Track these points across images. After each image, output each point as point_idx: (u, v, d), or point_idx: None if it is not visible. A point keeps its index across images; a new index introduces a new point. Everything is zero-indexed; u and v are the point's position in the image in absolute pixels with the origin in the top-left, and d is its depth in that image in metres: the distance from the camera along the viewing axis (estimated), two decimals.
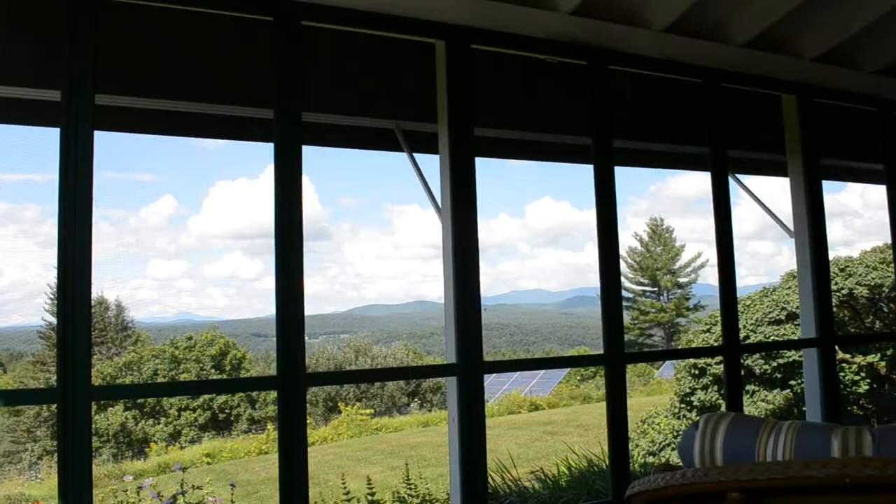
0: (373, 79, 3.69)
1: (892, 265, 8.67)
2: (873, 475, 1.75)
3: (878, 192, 5.50)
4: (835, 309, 5.67)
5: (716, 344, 9.07)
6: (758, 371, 9.14)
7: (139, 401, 23.04)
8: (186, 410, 23.83)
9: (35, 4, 2.88)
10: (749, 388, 9.19)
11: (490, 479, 5.24)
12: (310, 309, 3.02)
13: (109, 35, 2.93)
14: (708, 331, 10.03)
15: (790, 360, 8.90)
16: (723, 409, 7.63)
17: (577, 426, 15.27)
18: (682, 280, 43.37)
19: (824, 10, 4.15)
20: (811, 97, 4.55)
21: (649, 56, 3.94)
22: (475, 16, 3.41)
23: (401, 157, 3.82)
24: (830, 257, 4.92)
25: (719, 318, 4.43)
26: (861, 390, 8.85)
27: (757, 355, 9.14)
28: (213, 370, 26.34)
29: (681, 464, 2.25)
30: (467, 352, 3.27)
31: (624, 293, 36.92)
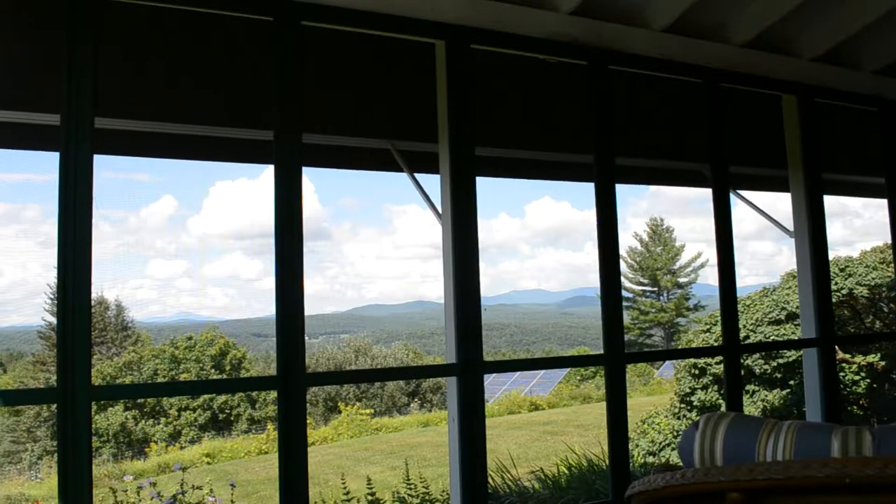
0: (368, 97, 3.68)
1: (893, 265, 8.67)
2: (873, 475, 1.75)
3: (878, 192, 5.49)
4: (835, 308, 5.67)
5: (716, 344, 9.07)
6: (758, 371, 9.13)
7: (139, 401, 23.02)
8: (186, 410, 23.82)
9: (34, 28, 2.89)
10: (749, 388, 9.19)
11: (490, 479, 5.23)
12: (310, 309, 3.02)
13: (109, 58, 2.92)
14: (708, 331, 10.03)
15: (790, 359, 8.90)
16: (723, 409, 7.63)
17: (577, 426, 15.27)
18: (682, 280, 43.37)
19: (824, 10, 4.15)
20: (811, 97, 4.55)
21: (649, 56, 3.94)
22: (475, 16, 3.41)
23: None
24: (830, 257, 4.93)
25: (719, 318, 4.43)
26: (860, 390, 8.85)
27: (757, 355, 9.14)
28: (213, 370, 26.33)
29: (681, 464, 2.25)
30: (467, 352, 3.27)
31: (624, 293, 36.92)
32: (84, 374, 2.56)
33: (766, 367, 9.05)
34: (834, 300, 6.50)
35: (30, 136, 3.15)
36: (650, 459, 9.52)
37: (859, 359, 8.90)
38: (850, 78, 4.68)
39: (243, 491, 11.29)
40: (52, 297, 30.35)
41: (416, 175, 3.73)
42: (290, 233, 2.97)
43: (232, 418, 24.28)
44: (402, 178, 3.76)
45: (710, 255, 41.95)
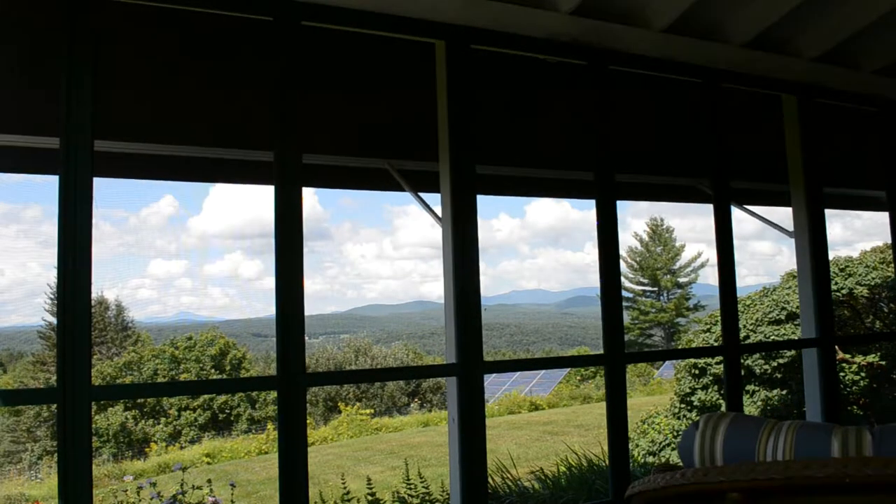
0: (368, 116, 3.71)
1: (893, 265, 8.67)
2: (873, 475, 1.75)
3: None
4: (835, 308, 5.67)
5: (716, 344, 9.07)
6: (758, 371, 9.13)
7: (139, 401, 23.02)
8: (186, 410, 23.83)
9: (34, 51, 2.89)
10: (749, 388, 9.19)
11: (490, 479, 5.24)
12: (310, 309, 3.02)
13: (108, 81, 2.92)
14: (708, 331, 10.03)
15: (790, 359, 8.89)
16: (723, 409, 7.64)
17: (577, 426, 15.27)
18: (682, 280, 43.37)
19: (824, 10, 4.15)
20: (811, 97, 4.55)
21: (649, 56, 3.94)
22: (475, 16, 3.41)
23: None
24: (830, 257, 4.93)
25: (719, 318, 4.43)
26: (860, 390, 8.85)
27: (757, 355, 9.14)
28: (213, 370, 26.34)
29: (681, 464, 2.25)
30: (467, 352, 3.27)
31: (624, 293, 36.94)
32: (84, 374, 2.56)
33: (766, 367, 9.05)
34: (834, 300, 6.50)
35: (29, 160, 3.15)
36: (650, 459, 9.52)
37: (859, 359, 8.90)
38: (850, 78, 4.68)
39: (243, 491, 11.29)
40: (52, 297, 30.37)
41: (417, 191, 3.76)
42: (291, 232, 2.97)
43: (232, 418, 24.29)
44: None
45: (710, 255, 41.96)
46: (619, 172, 3.87)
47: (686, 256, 43.70)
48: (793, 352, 8.67)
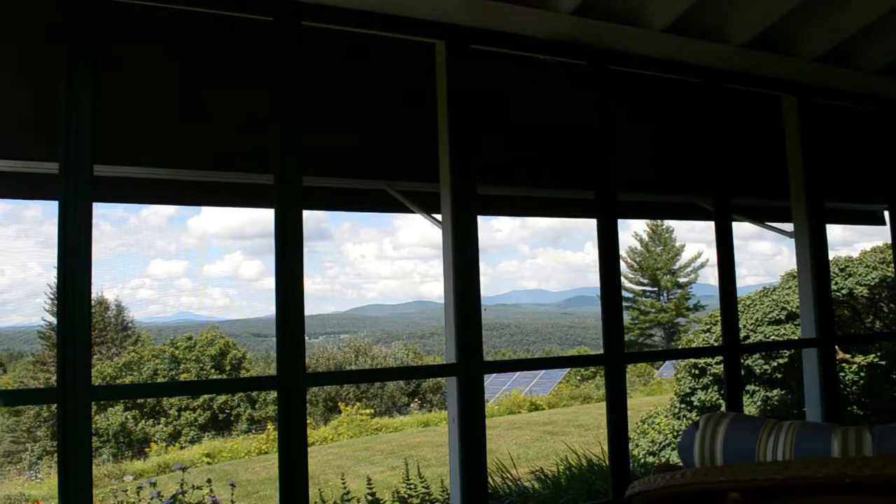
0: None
1: (893, 265, 8.67)
2: (873, 475, 1.75)
3: None
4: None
5: (716, 344, 9.07)
6: (758, 371, 9.13)
7: (139, 401, 23.02)
8: (186, 410, 23.83)
9: (32, 75, 2.89)
10: (749, 388, 9.19)
11: (490, 479, 5.24)
12: (310, 309, 3.02)
13: (107, 105, 2.91)
14: (708, 331, 10.03)
15: (790, 359, 8.90)
16: (723, 409, 7.63)
17: (577, 426, 15.27)
18: (682, 280, 43.38)
19: (824, 10, 4.15)
20: (811, 97, 4.55)
21: (649, 56, 3.94)
22: (475, 16, 3.41)
23: None
24: (830, 257, 4.93)
25: (719, 318, 4.43)
26: (859, 390, 8.85)
27: (757, 355, 9.14)
28: (213, 370, 26.34)
29: (681, 464, 2.25)
30: (467, 352, 3.27)
31: (624, 293, 36.92)
32: (84, 374, 2.56)
33: (766, 367, 9.05)
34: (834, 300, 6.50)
35: (28, 185, 3.15)
36: (650, 459, 9.52)
37: (859, 359, 8.90)
38: (850, 78, 4.68)
39: (243, 491, 11.29)
40: (52, 297, 30.37)
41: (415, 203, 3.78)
42: (290, 232, 2.97)
43: (232, 418, 24.29)
44: None
45: (710, 255, 41.98)
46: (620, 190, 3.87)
47: (686, 256, 43.76)
48: (793, 352, 8.66)
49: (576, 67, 3.82)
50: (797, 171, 4.52)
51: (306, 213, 3.04)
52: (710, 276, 47.79)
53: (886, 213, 5.29)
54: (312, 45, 3.25)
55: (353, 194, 4.07)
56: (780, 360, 8.98)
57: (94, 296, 2.82)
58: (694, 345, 10.74)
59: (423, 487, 6.11)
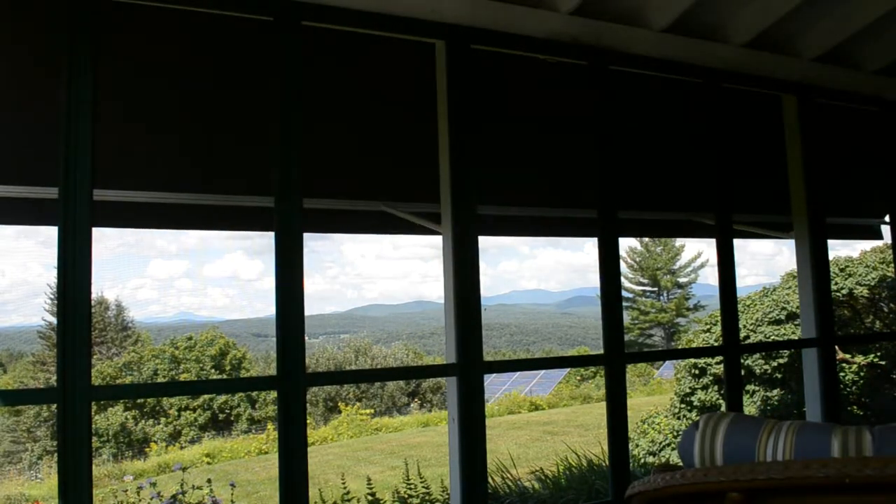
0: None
1: (893, 265, 8.67)
2: (873, 475, 1.75)
3: None
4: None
5: (716, 344, 9.07)
6: (758, 371, 9.13)
7: (139, 401, 23.03)
8: (186, 410, 23.83)
9: (32, 101, 2.89)
10: (749, 388, 9.18)
11: (490, 479, 5.23)
12: (310, 309, 3.02)
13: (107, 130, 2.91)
14: (708, 331, 10.03)
15: (790, 359, 8.90)
16: (723, 409, 7.63)
17: (577, 426, 15.26)
18: (682, 280, 43.38)
19: (824, 10, 4.15)
20: (811, 97, 4.55)
21: (649, 56, 3.94)
22: (475, 16, 3.41)
23: None
24: (830, 257, 4.93)
25: (719, 318, 4.43)
26: (859, 390, 8.85)
27: (757, 355, 9.14)
28: (213, 370, 26.34)
29: (681, 464, 2.25)
30: (467, 352, 3.27)
31: (624, 293, 36.90)
32: (84, 374, 2.56)
33: (766, 367, 9.05)
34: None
35: (28, 211, 3.14)
36: (650, 459, 9.52)
37: (859, 359, 8.90)
38: (850, 78, 4.68)
39: (243, 491, 11.29)
40: (52, 297, 30.37)
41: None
42: (291, 232, 2.97)
43: (232, 418, 24.29)
44: None
45: (710, 255, 42.01)
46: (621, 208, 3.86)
47: (686, 256, 43.74)
48: (793, 352, 8.66)
49: (577, 69, 3.82)
50: (797, 170, 4.52)
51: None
52: (710, 276, 47.82)
53: (887, 218, 5.29)
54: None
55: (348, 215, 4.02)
56: (781, 360, 8.98)
57: (94, 296, 2.82)
58: (694, 345, 10.74)
59: (423, 487, 6.11)
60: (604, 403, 3.75)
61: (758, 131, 4.79)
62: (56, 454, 2.77)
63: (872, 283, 9.22)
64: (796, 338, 8.38)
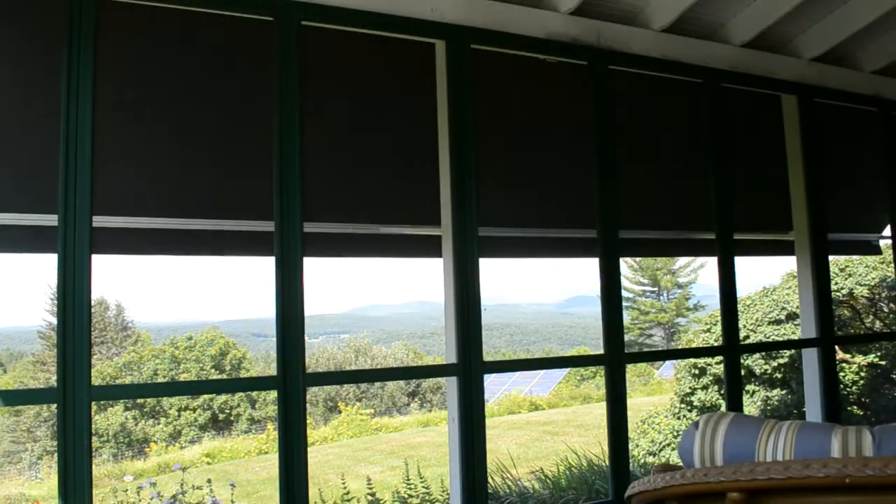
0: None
1: (893, 265, 8.68)
2: (873, 475, 1.75)
3: None
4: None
5: (716, 344, 9.07)
6: (758, 371, 9.13)
7: (139, 401, 23.02)
8: (186, 410, 23.82)
9: (30, 130, 2.88)
10: (749, 388, 9.19)
11: (490, 479, 5.23)
12: (310, 309, 3.02)
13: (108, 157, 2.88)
14: (708, 331, 10.03)
15: (790, 359, 8.90)
16: (723, 409, 7.63)
17: (577, 426, 15.27)
18: (682, 280, 43.37)
19: (824, 10, 4.16)
20: (811, 97, 4.55)
21: (649, 56, 3.94)
22: (475, 16, 3.41)
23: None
24: (830, 257, 4.93)
25: (719, 318, 4.43)
26: (860, 390, 8.85)
27: (757, 355, 9.14)
28: (213, 370, 26.34)
29: (681, 464, 2.25)
30: (467, 352, 3.27)
31: (624, 293, 36.86)
32: (84, 374, 2.56)
33: (767, 367, 9.05)
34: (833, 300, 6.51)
35: (27, 238, 3.13)
36: (650, 459, 9.52)
37: (859, 359, 8.90)
38: (849, 78, 4.69)
39: (243, 491, 11.30)
40: (52, 297, 30.36)
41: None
42: (291, 232, 2.97)
43: (232, 418, 24.28)
44: None
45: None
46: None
47: (686, 257, 43.72)
48: (793, 352, 8.67)
49: (577, 74, 3.83)
50: (797, 170, 4.52)
51: None
52: (710, 276, 47.80)
53: (885, 232, 5.30)
54: None
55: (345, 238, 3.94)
56: (781, 360, 8.98)
57: (94, 296, 2.82)
58: (694, 345, 10.73)
59: (423, 487, 6.11)
60: (604, 403, 3.75)
61: (757, 131, 4.78)
62: (56, 454, 2.77)
63: (872, 283, 9.22)
64: (796, 338, 8.38)
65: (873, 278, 9.22)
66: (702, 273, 43.63)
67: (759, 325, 9.36)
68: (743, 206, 4.37)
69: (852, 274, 9.29)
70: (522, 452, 11.88)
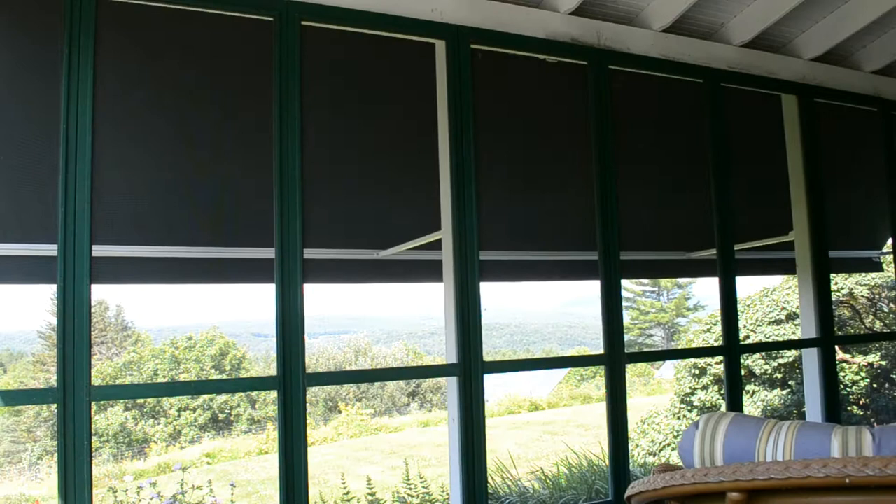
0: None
1: (893, 265, 8.68)
2: (873, 475, 1.75)
3: None
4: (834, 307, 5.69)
5: (716, 344, 9.07)
6: (758, 371, 9.14)
7: (139, 401, 23.02)
8: (186, 410, 23.81)
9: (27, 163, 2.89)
10: (749, 388, 9.19)
11: (490, 479, 5.24)
12: (310, 309, 3.02)
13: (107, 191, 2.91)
14: (708, 331, 10.05)
15: (790, 359, 8.90)
16: (723, 409, 7.63)
17: (577, 426, 15.27)
18: (682, 280, 43.35)
19: (824, 10, 4.16)
20: (811, 97, 4.55)
21: (649, 56, 3.94)
22: (475, 16, 3.41)
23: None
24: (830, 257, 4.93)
25: (719, 318, 4.43)
26: (860, 390, 8.86)
27: (757, 355, 9.14)
28: (213, 370, 26.32)
29: (681, 464, 2.25)
30: (467, 352, 3.27)
31: (624, 293, 36.82)
32: (84, 374, 2.56)
33: (767, 367, 9.05)
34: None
35: (27, 269, 3.14)
36: (650, 459, 9.53)
37: (859, 359, 8.90)
38: (850, 78, 4.69)
39: (243, 491, 11.30)
40: (52, 297, 30.35)
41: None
42: (291, 232, 2.97)
43: (232, 418, 24.27)
44: None
45: None
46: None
47: None
48: (793, 352, 8.67)
49: (577, 78, 3.83)
50: (797, 170, 4.52)
51: None
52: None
53: (886, 248, 5.32)
54: None
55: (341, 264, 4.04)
56: (781, 360, 8.99)
57: (94, 296, 2.82)
58: (694, 345, 10.74)
59: (423, 487, 6.11)
60: (604, 403, 3.75)
61: (755, 130, 4.79)
62: (56, 454, 2.77)
63: (872, 283, 9.22)
64: (796, 338, 8.38)
65: (873, 278, 9.22)
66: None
67: (759, 325, 9.36)
68: (743, 207, 4.38)
69: (852, 274, 9.30)
70: (522, 452, 11.88)
